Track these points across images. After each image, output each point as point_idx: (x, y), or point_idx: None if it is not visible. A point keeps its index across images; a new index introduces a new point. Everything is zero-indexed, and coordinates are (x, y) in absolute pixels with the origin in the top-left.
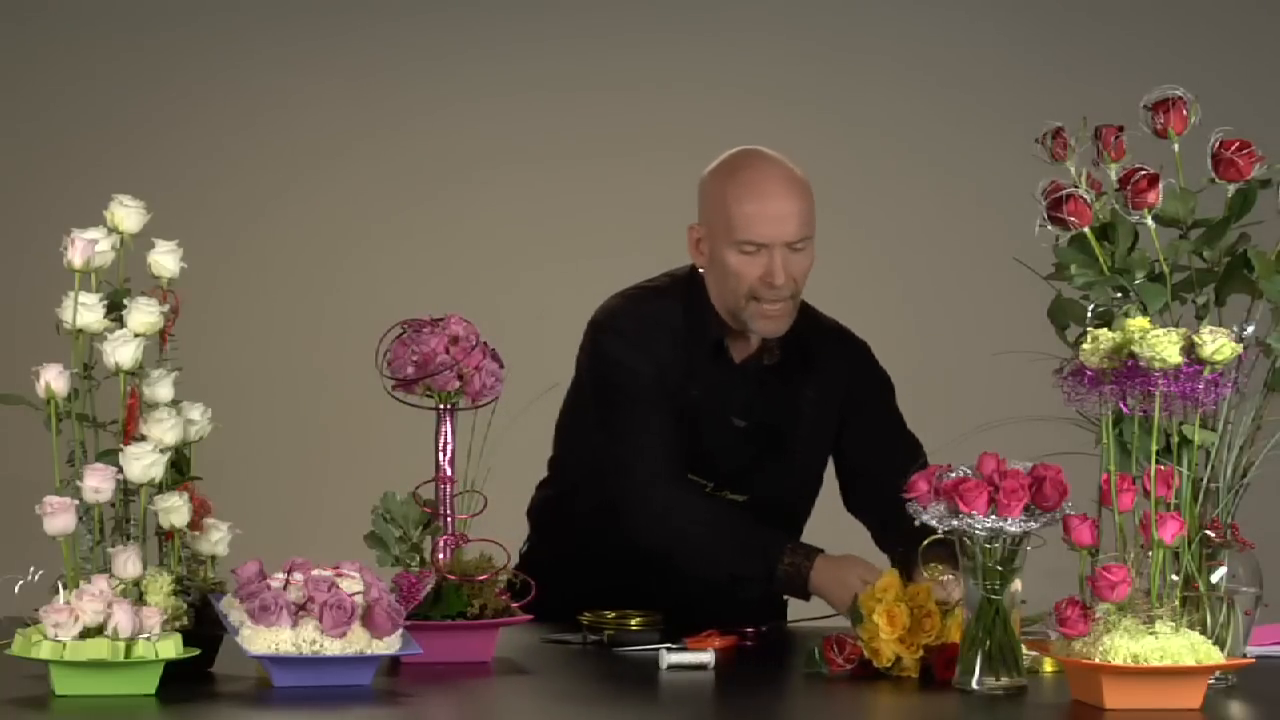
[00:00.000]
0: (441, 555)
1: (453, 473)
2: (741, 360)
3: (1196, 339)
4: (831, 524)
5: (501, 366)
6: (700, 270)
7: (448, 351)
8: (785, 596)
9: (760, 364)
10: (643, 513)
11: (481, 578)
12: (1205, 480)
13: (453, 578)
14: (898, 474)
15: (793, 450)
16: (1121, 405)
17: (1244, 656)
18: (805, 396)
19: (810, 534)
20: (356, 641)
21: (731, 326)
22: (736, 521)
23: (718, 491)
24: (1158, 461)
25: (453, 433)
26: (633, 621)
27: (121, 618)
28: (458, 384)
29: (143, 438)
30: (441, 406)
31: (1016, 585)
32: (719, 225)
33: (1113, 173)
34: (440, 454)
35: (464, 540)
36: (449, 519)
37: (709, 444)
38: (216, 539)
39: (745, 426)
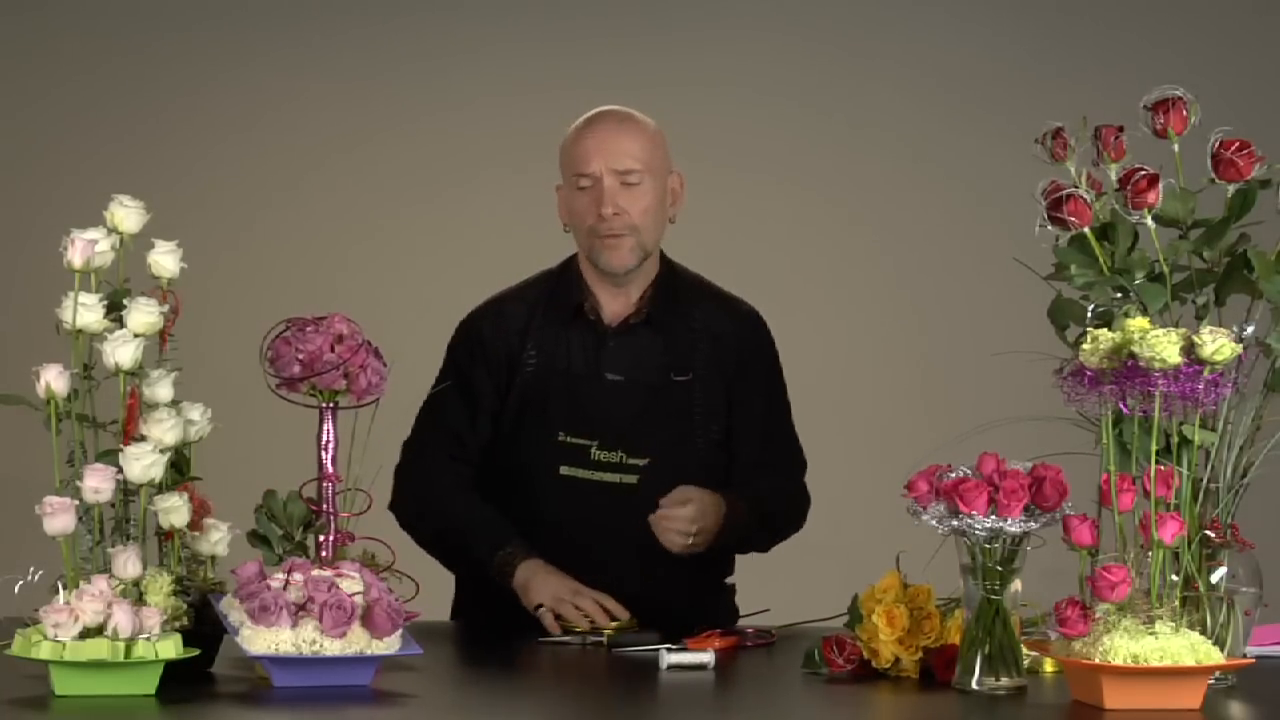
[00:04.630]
0: (325, 553)
1: (335, 471)
2: (616, 321)
3: (1196, 339)
4: (826, 522)
5: (385, 365)
6: (568, 232)
7: (333, 350)
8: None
9: (630, 323)
10: None
11: None
12: (1205, 480)
13: None
14: (766, 467)
15: (678, 407)
16: (1121, 405)
17: (1244, 656)
18: (691, 356)
19: (809, 532)
20: (356, 641)
21: (598, 290)
22: None
23: (608, 453)
24: (1158, 461)
25: (334, 431)
26: (607, 628)
27: (121, 618)
28: (344, 383)
29: (143, 438)
30: (324, 405)
31: (1016, 585)
32: (564, 171)
33: (1113, 173)
34: (323, 452)
35: (349, 539)
36: (332, 517)
37: (586, 401)
38: (216, 539)
39: (621, 381)
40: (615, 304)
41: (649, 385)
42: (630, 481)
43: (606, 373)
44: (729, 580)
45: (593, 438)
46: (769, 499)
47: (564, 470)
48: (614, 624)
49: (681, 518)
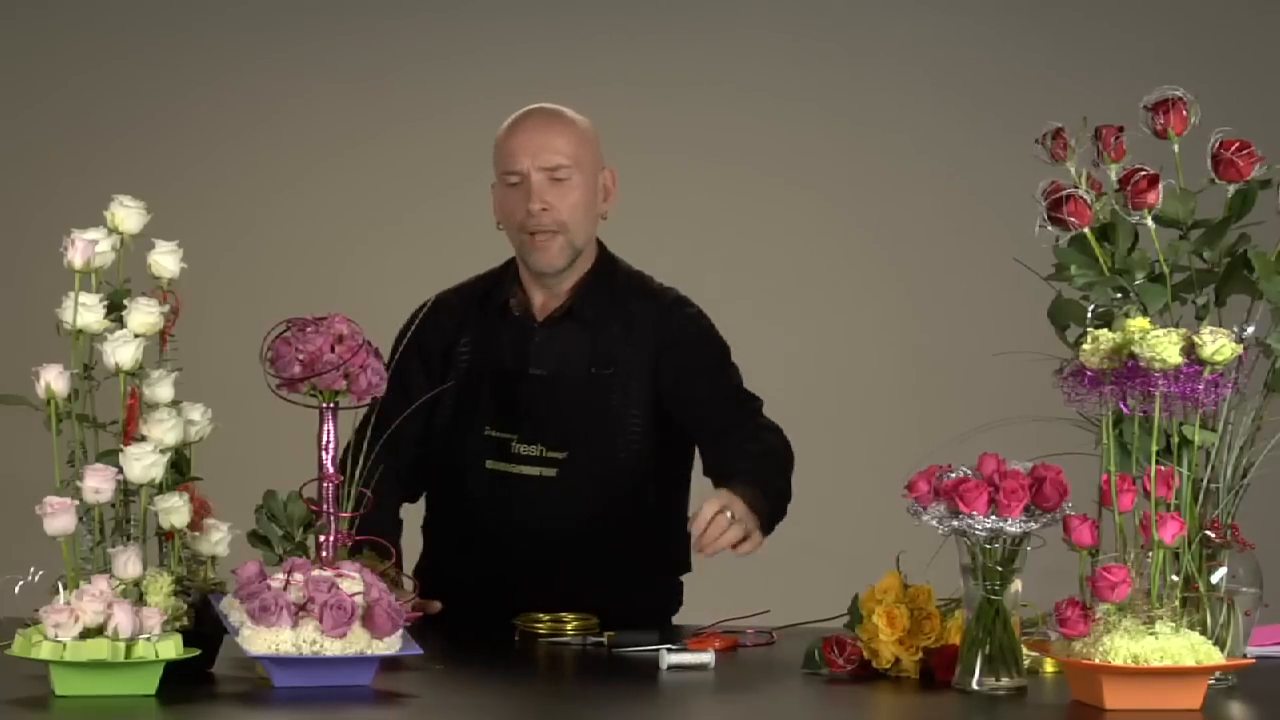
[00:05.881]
0: (325, 554)
1: (335, 471)
2: (544, 316)
3: (1196, 339)
4: (827, 522)
5: (385, 365)
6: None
7: (333, 350)
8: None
9: (555, 316)
10: None
11: None
12: (1205, 481)
13: None
14: (733, 427)
15: (598, 401)
16: (1121, 406)
17: (1244, 657)
18: (616, 350)
19: (809, 532)
20: (356, 642)
21: (529, 285)
22: None
23: (528, 446)
24: (1158, 462)
25: (335, 431)
26: (569, 626)
27: (122, 618)
28: (344, 383)
29: (143, 438)
30: (324, 405)
31: (1016, 586)
32: (496, 169)
33: (1113, 173)
34: (323, 453)
35: (349, 539)
36: (332, 517)
37: (511, 396)
38: (216, 539)
39: (544, 375)
40: (547, 299)
41: (570, 380)
42: (550, 475)
43: (531, 367)
44: (680, 577)
45: (515, 431)
46: (765, 470)
47: (489, 464)
48: (574, 621)
49: (705, 518)
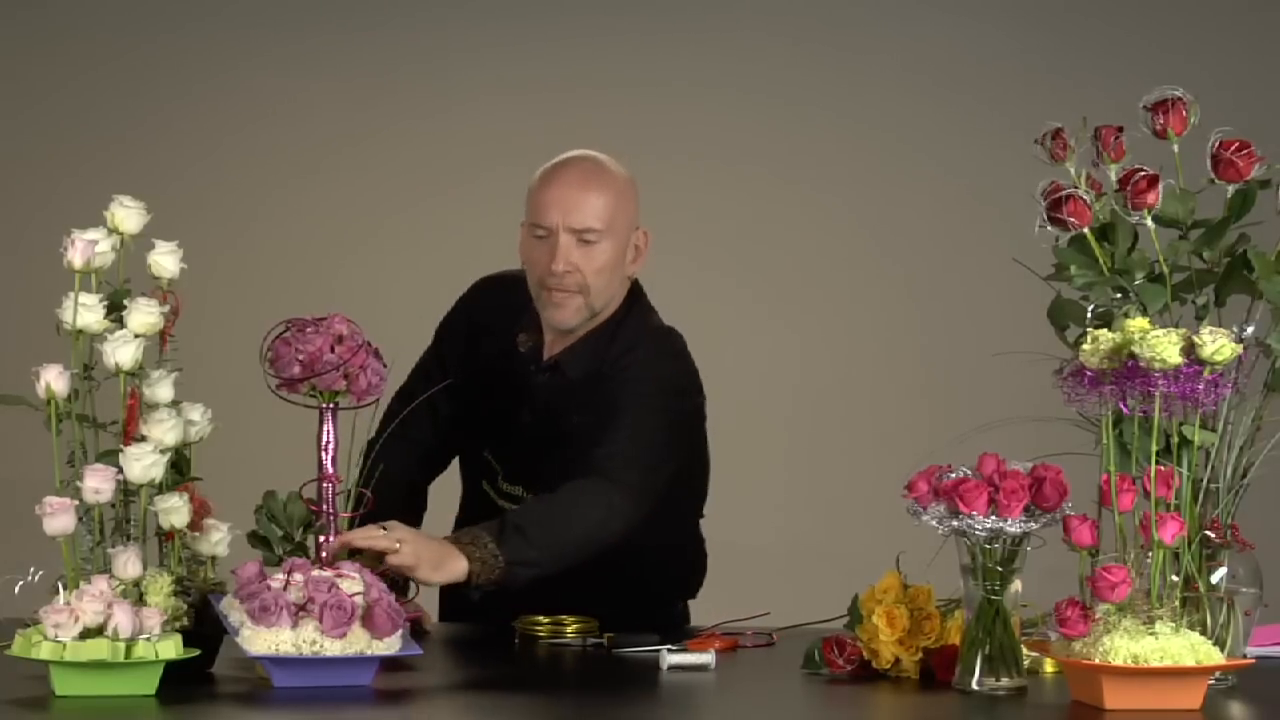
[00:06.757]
0: (325, 554)
1: (335, 471)
2: (546, 359)
3: (1196, 339)
4: (826, 523)
5: (385, 365)
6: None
7: (333, 350)
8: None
9: (548, 365)
10: None
11: None
12: (1205, 481)
13: None
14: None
15: (580, 452)
16: (1121, 406)
17: (1244, 657)
18: (593, 402)
19: (809, 533)
20: (356, 642)
21: (545, 329)
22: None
23: (511, 485)
24: (1158, 462)
25: (334, 432)
26: (569, 628)
27: (121, 618)
28: (343, 383)
29: (143, 438)
30: (323, 406)
31: (1016, 586)
32: (526, 212)
33: (1112, 173)
34: (323, 453)
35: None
36: (332, 518)
37: (504, 430)
38: (216, 539)
39: (531, 422)
40: (554, 341)
41: (555, 430)
42: None
43: (525, 410)
44: (677, 604)
45: (503, 465)
46: (528, 509)
47: (483, 484)
48: (574, 624)
49: (363, 532)
